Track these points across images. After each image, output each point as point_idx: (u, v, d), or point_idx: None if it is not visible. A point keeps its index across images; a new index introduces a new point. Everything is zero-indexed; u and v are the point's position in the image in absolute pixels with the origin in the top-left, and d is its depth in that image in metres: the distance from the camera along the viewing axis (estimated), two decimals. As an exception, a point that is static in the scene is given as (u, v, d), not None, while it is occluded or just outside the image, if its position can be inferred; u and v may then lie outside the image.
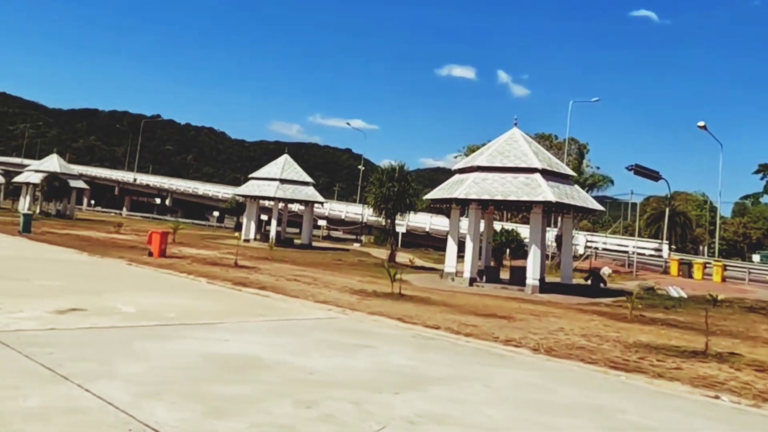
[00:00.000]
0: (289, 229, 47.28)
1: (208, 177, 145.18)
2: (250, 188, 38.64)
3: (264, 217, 43.88)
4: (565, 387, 7.15)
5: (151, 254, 20.04)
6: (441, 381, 6.78)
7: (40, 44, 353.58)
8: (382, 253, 34.43)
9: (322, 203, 43.81)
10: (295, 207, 48.21)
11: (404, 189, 29.72)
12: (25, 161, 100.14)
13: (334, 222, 59.12)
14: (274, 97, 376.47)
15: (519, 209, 28.40)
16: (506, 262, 31.50)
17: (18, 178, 58.77)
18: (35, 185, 53.12)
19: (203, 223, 69.02)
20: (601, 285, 23.99)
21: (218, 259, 22.10)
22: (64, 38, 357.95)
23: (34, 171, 55.67)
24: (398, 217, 31.52)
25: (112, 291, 11.82)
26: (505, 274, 23.74)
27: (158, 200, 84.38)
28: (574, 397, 6.77)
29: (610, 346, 10.31)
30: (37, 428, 4.26)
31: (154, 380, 5.76)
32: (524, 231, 32.53)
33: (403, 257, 30.62)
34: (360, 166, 74.83)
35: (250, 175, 40.08)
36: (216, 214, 66.42)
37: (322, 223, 55.01)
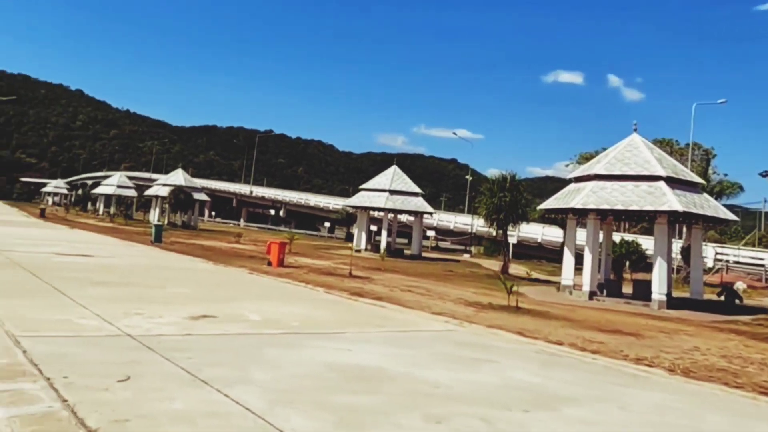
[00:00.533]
0: (398, 240, 47.67)
1: (317, 188, 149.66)
2: (360, 199, 39.37)
3: (373, 228, 44.56)
4: (711, 413, 6.58)
5: (270, 264, 20.84)
6: (572, 401, 6.45)
7: (165, 66, 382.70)
8: (493, 265, 33.85)
9: (431, 213, 43.78)
10: (403, 217, 48.58)
11: (516, 199, 29.06)
12: (154, 176, 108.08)
13: (442, 232, 58.92)
14: (380, 110, 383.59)
15: (640, 219, 26.85)
16: (626, 276, 29.90)
17: (148, 192, 63.59)
18: (163, 198, 57.20)
19: (315, 233, 71.22)
20: (737, 301, 22.13)
21: (333, 269, 22.61)
22: (186, 60, 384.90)
23: (162, 185, 60.03)
24: (509, 227, 30.84)
25: (237, 299, 12.36)
26: (626, 288, 22.49)
27: (272, 211, 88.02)
28: (723, 425, 6.21)
29: (756, 369, 9.42)
30: (184, 430, 4.46)
31: (284, 388, 5.89)
32: (645, 242, 30.80)
33: (515, 269, 29.91)
34: (467, 176, 74.20)
35: (360, 187, 40.85)
36: (327, 224, 68.22)
37: (430, 233, 55.00)
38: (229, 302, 11.68)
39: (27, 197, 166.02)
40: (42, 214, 54.00)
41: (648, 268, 24.37)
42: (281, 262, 21.09)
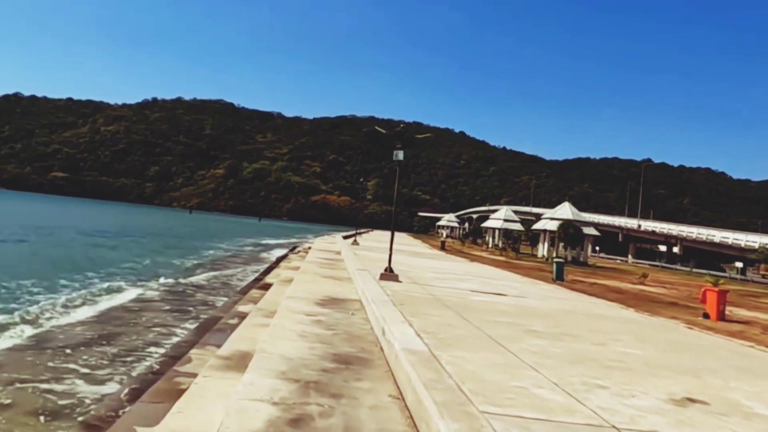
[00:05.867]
0: None
1: (707, 222, 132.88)
2: (801, 236, 31.44)
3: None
4: None
5: (706, 316, 17.02)
6: None
7: (538, 103, 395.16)
8: None
9: None
10: None
11: None
12: (534, 209, 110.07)
13: None
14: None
15: None
16: None
17: (536, 226, 63.74)
18: (551, 232, 56.31)
19: (721, 274, 61.43)
20: None
21: (792, 328, 17.41)
22: (560, 96, 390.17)
23: (549, 219, 59.36)
24: None
25: (708, 370, 9.36)
26: None
27: (663, 247, 79.86)
28: None
29: None
30: None
31: None
32: None
33: None
34: None
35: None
36: (738, 264, 58.06)
37: None
38: (702, 376, 8.81)
39: (424, 229, 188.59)
40: (442, 247, 58.46)
41: None
42: (721, 314, 17.04)
